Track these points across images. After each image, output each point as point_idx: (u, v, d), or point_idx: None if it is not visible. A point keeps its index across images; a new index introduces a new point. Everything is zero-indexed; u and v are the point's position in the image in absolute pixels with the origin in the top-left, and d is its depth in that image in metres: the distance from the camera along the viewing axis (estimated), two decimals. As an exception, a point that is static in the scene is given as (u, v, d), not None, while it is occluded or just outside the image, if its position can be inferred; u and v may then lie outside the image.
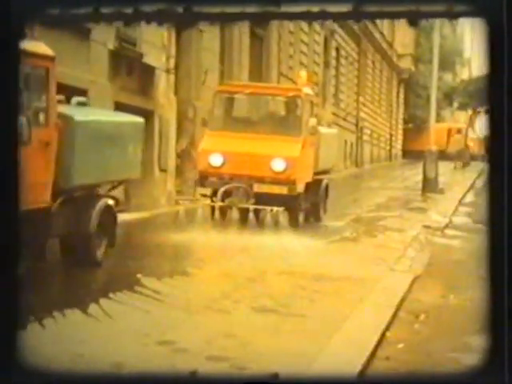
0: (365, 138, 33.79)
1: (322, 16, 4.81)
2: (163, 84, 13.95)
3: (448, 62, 40.74)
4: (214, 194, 10.66)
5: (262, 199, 10.48)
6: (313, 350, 5.30)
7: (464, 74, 53.47)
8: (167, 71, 14.03)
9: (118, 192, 12.38)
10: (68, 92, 7.88)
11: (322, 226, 12.16)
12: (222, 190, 10.44)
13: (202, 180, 10.83)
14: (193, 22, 5.25)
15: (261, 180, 10.59)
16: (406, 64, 40.97)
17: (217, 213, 10.72)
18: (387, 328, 6.31)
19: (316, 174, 12.01)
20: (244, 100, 11.97)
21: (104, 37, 11.69)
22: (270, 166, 10.63)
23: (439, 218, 13.71)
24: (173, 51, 14.31)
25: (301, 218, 11.35)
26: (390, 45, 39.06)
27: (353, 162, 31.61)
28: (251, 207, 10.42)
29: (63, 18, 5.35)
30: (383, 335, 6.09)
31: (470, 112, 37.45)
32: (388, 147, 39.99)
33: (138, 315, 6.07)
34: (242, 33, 17.86)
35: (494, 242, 4.34)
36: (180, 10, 4.57)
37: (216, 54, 16.58)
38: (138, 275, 7.30)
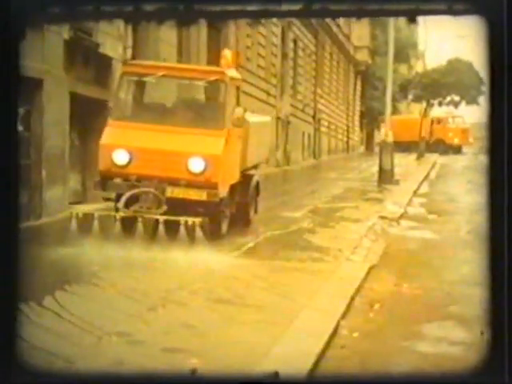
0: (322, 129, 33.98)
1: (323, 13, 4.83)
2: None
3: (403, 55, 41.17)
4: (119, 198, 8.69)
5: (177, 206, 8.61)
6: (268, 340, 5.33)
7: (419, 67, 54.12)
8: (124, 62, 13.89)
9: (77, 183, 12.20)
10: (23, 83, 7.73)
11: (252, 230, 10.36)
12: (126, 195, 8.51)
13: (104, 182, 8.86)
14: (193, 19, 5.19)
15: (175, 183, 8.68)
16: (362, 56, 41.30)
17: (119, 223, 8.36)
18: (343, 317, 6.39)
19: (244, 171, 10.32)
20: (156, 84, 9.75)
21: (59, 26, 11.51)
22: (187, 165, 8.73)
23: (395, 209, 13.88)
24: (130, 42, 14.16)
25: (225, 226, 9.49)
26: (347, 37, 39.30)
27: (311, 154, 31.76)
28: (161, 218, 8.33)
29: (64, 17, 5.35)
30: (338, 324, 6.16)
31: (424, 104, 37.85)
32: (345, 139, 40.29)
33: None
34: (199, 24, 17.77)
35: (494, 242, 4.37)
36: (181, 7, 4.58)
37: (174, 45, 16.46)
38: None
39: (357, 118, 43.46)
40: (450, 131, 41.14)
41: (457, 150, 40.61)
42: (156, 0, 4.57)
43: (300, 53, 29.80)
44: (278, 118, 26.08)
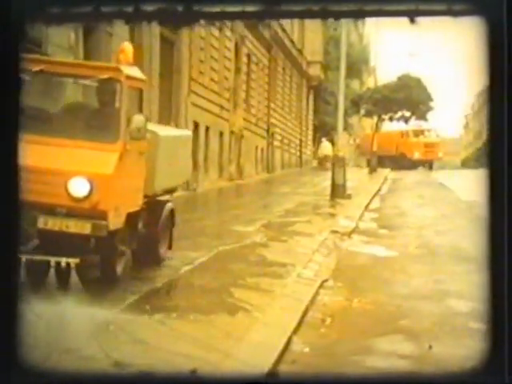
0: (276, 143, 34.20)
1: (323, 14, 4.79)
2: (71, 87, 13.67)
3: (355, 70, 41.81)
4: None
5: (52, 242, 6.81)
6: (219, 355, 5.34)
7: (370, 83, 55.01)
8: None
9: None
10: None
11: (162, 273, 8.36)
12: None
13: None
14: (193, 20, 5.16)
15: (51, 211, 6.78)
16: (315, 71, 41.77)
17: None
18: (294, 332, 6.45)
19: (152, 196, 8.32)
20: (35, 83, 7.41)
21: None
22: (67, 188, 6.82)
23: (346, 223, 14.04)
24: (81, 53, 14.06)
25: (120, 267, 7.48)
26: (300, 52, 39.73)
27: (264, 168, 31.91)
28: (24, 258, 6.26)
29: (64, 18, 5.18)
30: (290, 339, 6.22)
31: (375, 119, 38.46)
32: (298, 153, 40.61)
33: None
34: (152, 36, 17.77)
35: (494, 242, 4.42)
36: (180, 8, 4.59)
37: (126, 58, 16.44)
38: None
39: (310, 132, 43.87)
40: (411, 145, 39.70)
41: (428, 165, 38.85)
42: (156, 0, 4.59)
43: (253, 67, 30.01)
44: (232, 132, 26.18)
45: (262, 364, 5.23)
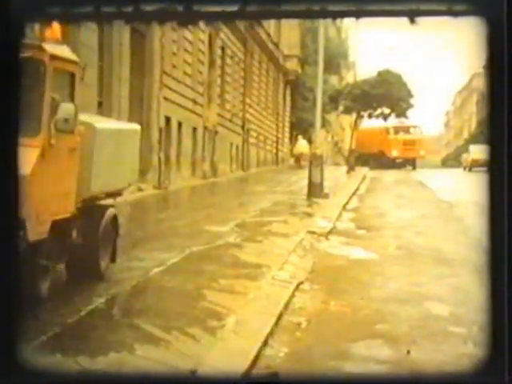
0: (251, 140, 34.23)
1: (323, 14, 4.99)
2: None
3: (334, 65, 42.00)
4: None
5: None
6: (193, 360, 5.35)
7: (349, 78, 55.26)
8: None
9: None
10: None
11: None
12: None
13: None
14: (193, 20, 5.34)
15: None
16: (292, 65, 41.89)
17: None
18: (269, 336, 6.47)
19: (89, 200, 7.57)
20: None
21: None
22: None
23: (324, 224, 14.11)
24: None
25: (44, 286, 6.66)
26: (276, 45, 39.80)
27: (239, 166, 31.93)
28: None
29: (64, 18, 5.33)
30: (265, 343, 6.24)
31: (354, 116, 38.65)
32: (275, 150, 40.69)
33: None
34: (121, 28, 17.68)
35: (494, 242, 4.51)
36: (180, 8, 4.71)
37: (95, 50, 16.32)
38: None
39: (287, 129, 43.99)
40: (389, 143, 39.00)
41: (410, 163, 37.93)
42: (156, 1, 4.70)
43: (228, 60, 30.00)
44: (205, 128, 26.15)
45: (234, 370, 5.24)
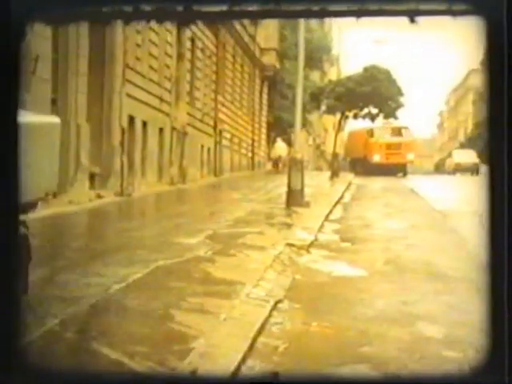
0: (224, 142, 34.25)
1: (323, 14, 5.54)
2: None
3: (315, 60, 42.18)
4: None
5: None
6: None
7: (333, 74, 55.52)
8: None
9: None
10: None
11: None
12: None
13: None
14: (192, 20, 5.96)
15: None
16: (269, 60, 42.01)
17: None
18: (243, 361, 6.44)
19: None
20: None
21: None
22: None
23: (304, 236, 14.12)
24: None
25: None
26: (253, 38, 39.90)
27: (211, 170, 31.93)
28: None
29: (64, 18, 5.85)
30: (238, 369, 6.21)
31: (338, 116, 38.76)
32: (250, 154, 40.74)
33: None
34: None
35: (494, 242, 4.72)
36: (180, 8, 5.15)
37: (48, 40, 16.23)
38: None
39: (264, 130, 44.08)
40: (371, 147, 37.86)
41: (400, 169, 36.76)
42: (155, 0, 5.08)
43: (198, 54, 29.99)
44: (173, 129, 26.11)
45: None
